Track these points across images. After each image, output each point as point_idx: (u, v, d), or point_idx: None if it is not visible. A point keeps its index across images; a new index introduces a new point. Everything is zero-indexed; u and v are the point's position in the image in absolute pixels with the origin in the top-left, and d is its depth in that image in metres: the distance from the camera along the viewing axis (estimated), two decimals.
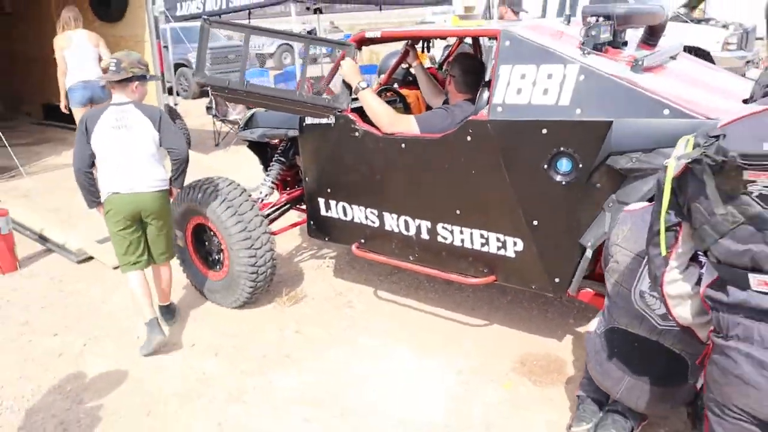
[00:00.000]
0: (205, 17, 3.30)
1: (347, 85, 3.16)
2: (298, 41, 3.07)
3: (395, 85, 4.15)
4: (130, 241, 3.34)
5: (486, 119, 2.70)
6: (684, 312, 1.64)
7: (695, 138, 1.48)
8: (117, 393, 3.12)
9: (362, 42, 3.31)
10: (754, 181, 1.36)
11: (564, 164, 2.58)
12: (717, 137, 1.41)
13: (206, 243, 3.94)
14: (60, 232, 5.05)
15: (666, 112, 2.34)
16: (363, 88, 3.10)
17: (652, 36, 3.06)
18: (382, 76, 4.16)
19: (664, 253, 1.60)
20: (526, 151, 2.65)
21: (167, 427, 2.86)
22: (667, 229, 1.57)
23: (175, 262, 3.81)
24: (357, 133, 3.21)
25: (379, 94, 3.65)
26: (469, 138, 2.79)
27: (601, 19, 2.67)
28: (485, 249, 2.99)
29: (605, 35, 2.64)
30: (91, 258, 4.78)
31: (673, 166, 1.49)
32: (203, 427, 2.84)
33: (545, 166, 2.62)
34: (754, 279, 1.42)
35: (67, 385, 3.21)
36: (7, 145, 5.86)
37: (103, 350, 3.54)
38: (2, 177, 6.27)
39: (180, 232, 3.94)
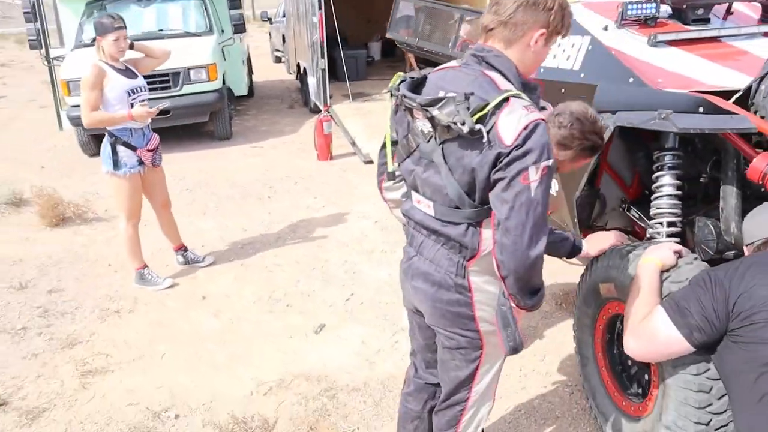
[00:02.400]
0: None
1: None
2: (456, 12, 3.90)
3: None
4: None
5: (534, 76, 3.40)
6: (399, 214, 2.00)
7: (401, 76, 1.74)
8: (317, 228, 4.97)
9: None
10: (417, 118, 1.68)
11: None
12: (414, 78, 1.75)
13: None
14: (363, 141, 7.16)
15: (630, 80, 2.74)
16: None
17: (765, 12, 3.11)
18: None
19: (390, 168, 1.92)
20: (554, 106, 3.27)
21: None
22: (394, 143, 1.90)
23: None
24: None
25: None
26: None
27: None
28: None
29: (644, 11, 2.98)
30: (372, 161, 6.74)
31: (388, 96, 1.84)
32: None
33: None
34: (414, 196, 1.81)
35: (291, 224, 5.20)
36: (347, 80, 8.35)
37: (327, 212, 5.43)
38: (357, 99, 8.76)
39: None
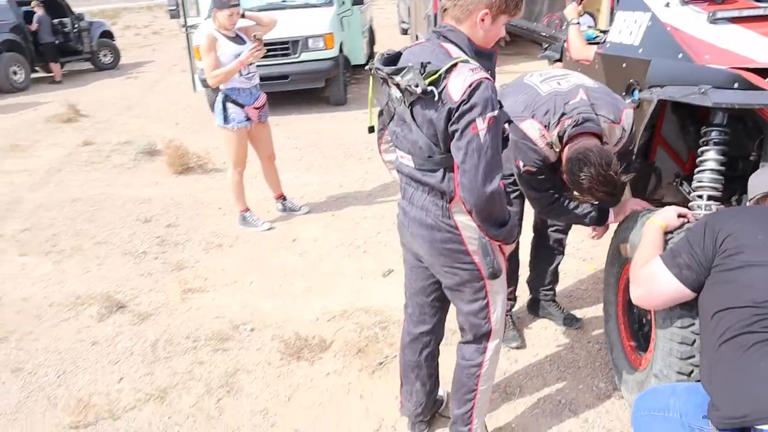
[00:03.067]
0: None
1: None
2: None
3: None
4: None
5: (602, 51, 3.56)
6: (395, 174, 2.25)
7: (380, 53, 2.12)
8: None
9: None
10: (391, 87, 1.97)
11: (634, 93, 3.29)
12: (390, 55, 2.03)
13: None
14: None
15: (680, 55, 2.87)
16: (572, 24, 4.14)
17: None
18: None
19: (370, 123, 2.24)
20: (617, 80, 3.43)
21: None
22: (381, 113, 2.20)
23: None
24: (567, 56, 4.32)
25: None
26: (596, 65, 3.68)
27: None
28: None
29: None
30: None
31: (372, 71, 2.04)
32: None
33: (623, 93, 3.36)
34: (399, 153, 2.11)
35: (383, 184, 5.66)
36: None
37: None
38: None
39: None
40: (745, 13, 2.99)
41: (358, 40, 9.86)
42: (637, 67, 3.20)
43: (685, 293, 1.96)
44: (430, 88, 1.83)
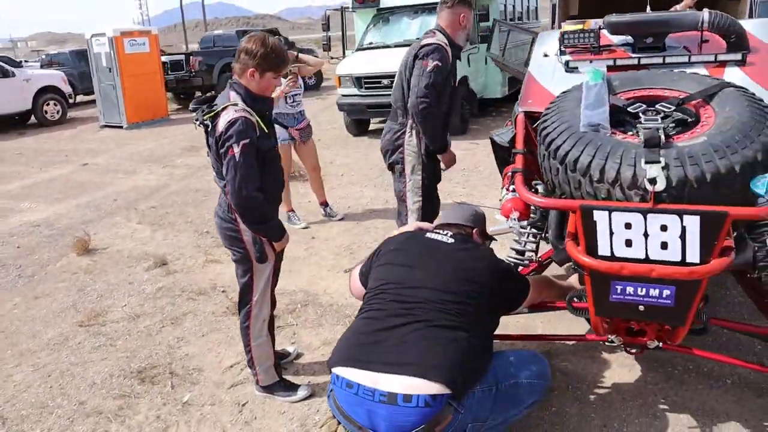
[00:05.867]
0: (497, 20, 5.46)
1: None
2: (510, 28, 4.33)
3: None
4: None
5: None
6: None
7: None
8: None
9: None
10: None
11: None
12: (208, 97, 2.90)
13: None
14: None
15: (519, 99, 3.45)
16: None
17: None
18: None
19: None
20: None
21: None
22: None
23: None
24: None
25: None
26: None
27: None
28: None
29: (579, 40, 3.49)
30: None
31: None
32: None
33: None
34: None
35: None
36: None
37: (456, 200, 6.55)
38: None
39: None
40: (597, 64, 3.43)
41: (485, 75, 10.61)
42: None
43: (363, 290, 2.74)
44: (207, 121, 2.71)
